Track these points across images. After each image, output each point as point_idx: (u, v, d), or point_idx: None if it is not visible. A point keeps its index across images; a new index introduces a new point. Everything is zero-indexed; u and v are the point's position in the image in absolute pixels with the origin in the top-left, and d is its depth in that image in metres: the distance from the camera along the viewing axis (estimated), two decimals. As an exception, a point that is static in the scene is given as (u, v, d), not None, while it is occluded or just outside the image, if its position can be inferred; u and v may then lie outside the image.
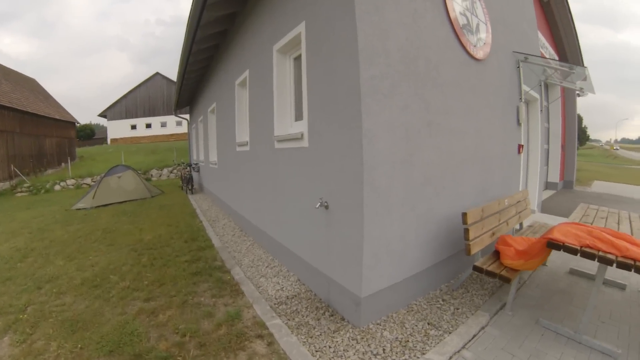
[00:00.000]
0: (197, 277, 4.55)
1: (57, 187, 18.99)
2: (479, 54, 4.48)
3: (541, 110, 7.32)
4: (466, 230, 3.60)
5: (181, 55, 8.39)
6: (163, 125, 44.92)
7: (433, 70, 3.72)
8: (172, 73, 44.48)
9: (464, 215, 3.63)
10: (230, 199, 7.87)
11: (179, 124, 44.35)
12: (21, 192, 18.39)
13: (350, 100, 3.14)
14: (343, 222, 3.38)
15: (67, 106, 29.90)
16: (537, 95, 6.87)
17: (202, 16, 5.94)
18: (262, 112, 5.20)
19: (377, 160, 3.14)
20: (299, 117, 4.57)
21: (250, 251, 5.56)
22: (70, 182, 19.35)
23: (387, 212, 3.27)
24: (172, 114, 43.59)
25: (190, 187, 12.55)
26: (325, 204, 3.58)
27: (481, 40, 4.56)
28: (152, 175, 20.26)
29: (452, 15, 4.01)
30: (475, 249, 3.62)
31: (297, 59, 4.57)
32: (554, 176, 11.55)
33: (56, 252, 6.30)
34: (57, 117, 25.81)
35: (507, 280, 3.28)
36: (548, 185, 11.62)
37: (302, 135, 4.00)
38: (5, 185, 18.93)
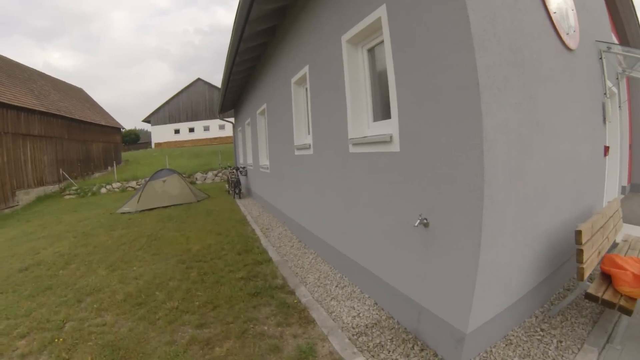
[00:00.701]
0: (256, 298, 3.94)
1: (103, 190, 19.56)
2: (571, 43, 3.84)
3: (619, 107, 6.35)
4: (580, 252, 2.97)
5: (227, 55, 8.03)
6: (206, 129, 46.21)
7: (536, 60, 3.09)
8: (212, 79, 46.12)
9: (578, 233, 2.98)
10: (285, 206, 7.32)
11: (222, 127, 45.39)
12: (69, 194, 19.09)
13: (463, 95, 2.48)
14: (450, 245, 2.70)
15: (112, 113, 31.57)
16: (615, 90, 6.03)
17: (252, 10, 5.51)
18: (329, 112, 4.59)
19: (496, 170, 2.52)
20: (378, 116, 3.95)
21: (314, 267, 4.91)
22: (115, 185, 19.88)
23: (501, 232, 2.67)
24: (214, 118, 45.08)
25: (237, 192, 12.23)
26: (425, 221, 2.89)
27: (571, 28, 3.83)
28: (196, 178, 20.36)
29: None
30: (587, 273, 3.03)
31: (371, 50, 3.98)
32: (622, 179, 10.12)
33: (99, 259, 6.00)
34: (103, 123, 27.06)
35: (628, 312, 2.71)
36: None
37: (390, 137, 3.31)
38: (55, 188, 19.80)
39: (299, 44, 5.63)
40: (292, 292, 4.10)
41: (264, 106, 8.65)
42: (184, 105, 46.10)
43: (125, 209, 11.05)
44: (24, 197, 17.48)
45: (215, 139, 44.97)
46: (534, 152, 3.02)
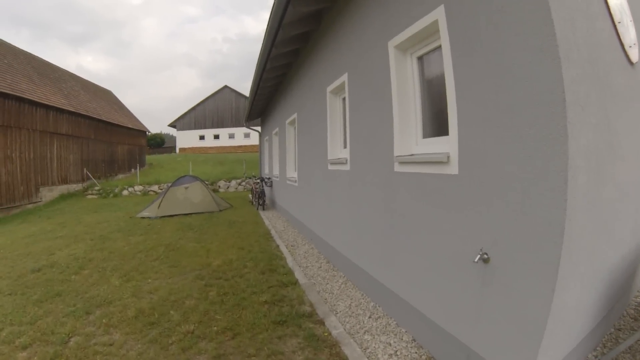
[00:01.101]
0: (281, 328, 3.54)
1: (125, 192, 19.72)
2: (634, 56, 3.33)
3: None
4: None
5: (258, 60, 7.86)
6: (231, 136, 46.74)
7: (608, 74, 2.68)
8: (239, 87, 46.94)
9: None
10: (313, 222, 6.95)
11: (247, 135, 45.85)
12: (91, 194, 19.34)
13: (545, 112, 2.07)
14: (515, 285, 2.28)
15: (139, 116, 32.42)
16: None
17: (286, 13, 5.30)
18: (371, 125, 4.22)
19: (577, 202, 2.11)
20: (427, 132, 3.55)
21: (344, 292, 4.49)
22: (137, 188, 20.02)
23: (574, 272, 2.26)
24: (240, 126, 45.53)
25: (262, 203, 11.95)
26: (485, 256, 2.46)
27: (632, 40, 3.35)
28: (219, 186, 20.30)
29: (611, 3, 2.83)
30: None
31: (421, 58, 3.60)
32: None
33: (114, 267, 5.76)
34: (130, 125, 27.64)
35: None
36: None
37: (447, 158, 2.89)
38: (78, 187, 20.15)
39: (336, 50, 5.33)
40: (322, 322, 3.68)
41: (294, 116, 8.38)
42: (210, 111, 46.89)
43: (145, 213, 10.93)
44: (48, 194, 17.80)
45: (240, 147, 45.35)
46: (607, 180, 2.60)
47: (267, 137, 15.17)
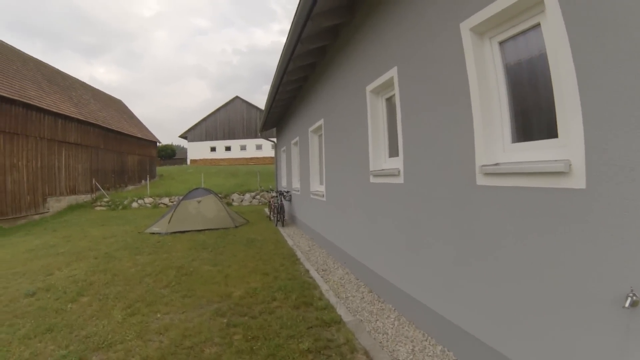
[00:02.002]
0: (334, 396, 2.69)
1: (134, 205, 19.11)
2: None
3: None
4: None
5: (279, 62, 7.19)
6: (242, 148, 46.43)
7: None
8: (249, 98, 46.85)
9: None
10: (347, 242, 6.09)
11: (259, 147, 45.55)
12: (100, 206, 18.78)
13: None
14: None
15: (150, 127, 32.26)
16: None
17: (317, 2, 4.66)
18: (435, 127, 3.39)
19: None
20: (521, 135, 2.73)
21: (400, 332, 3.62)
22: (147, 200, 19.41)
23: None
24: (251, 137, 45.43)
25: (281, 219, 11.12)
26: (635, 297, 1.63)
27: None
28: (233, 199, 19.55)
29: None
30: None
31: (504, 42, 2.79)
32: None
33: (117, 294, 4.97)
34: (140, 135, 27.34)
35: None
36: None
37: (569, 167, 2.07)
38: (87, 197, 19.66)
39: (379, 41, 4.53)
40: (385, 385, 2.82)
41: (320, 122, 7.59)
42: (221, 123, 46.83)
43: (155, 229, 10.16)
44: (55, 204, 17.31)
45: (252, 158, 45.01)
46: None
47: (284, 148, 14.42)
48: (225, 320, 3.95)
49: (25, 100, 15.34)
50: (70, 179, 18.57)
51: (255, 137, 45.08)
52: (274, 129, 17.27)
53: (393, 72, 4.18)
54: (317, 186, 8.53)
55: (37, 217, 16.01)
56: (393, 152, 4.72)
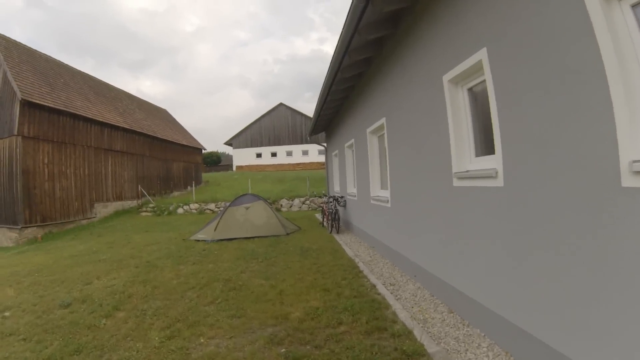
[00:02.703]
0: None
1: (180, 210, 19.10)
2: None
3: None
4: None
5: (332, 58, 6.52)
6: (288, 154, 46.54)
7: None
8: (292, 105, 47.13)
9: None
10: (418, 253, 5.21)
11: (305, 153, 45.55)
12: (145, 212, 18.95)
13: None
14: None
15: (195, 135, 32.80)
16: None
17: None
18: (549, 117, 2.50)
19: None
20: None
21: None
22: (193, 206, 19.35)
23: None
24: (297, 143, 45.49)
25: (336, 226, 10.31)
26: None
27: None
28: (281, 205, 19.00)
29: None
30: None
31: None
32: None
33: (155, 310, 4.40)
34: (185, 143, 27.79)
35: None
36: None
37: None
38: (133, 203, 19.98)
39: (461, 21, 3.67)
40: None
41: (381, 122, 6.73)
42: (266, 129, 47.35)
43: (200, 236, 9.69)
44: (102, 210, 17.67)
45: (299, 164, 44.97)
46: None
47: (335, 152, 13.66)
48: (283, 350, 3.21)
49: (71, 111, 15.80)
50: (116, 186, 18.92)
51: (301, 142, 45.24)
52: (323, 134, 16.69)
53: (481, 55, 3.29)
54: (379, 191, 7.66)
55: (84, 222, 16.36)
56: (480, 150, 3.85)
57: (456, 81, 4.01)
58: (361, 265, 6.18)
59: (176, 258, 7.48)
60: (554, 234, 2.54)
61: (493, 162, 3.35)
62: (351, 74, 7.44)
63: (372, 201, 7.75)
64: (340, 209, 10.98)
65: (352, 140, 9.72)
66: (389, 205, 6.54)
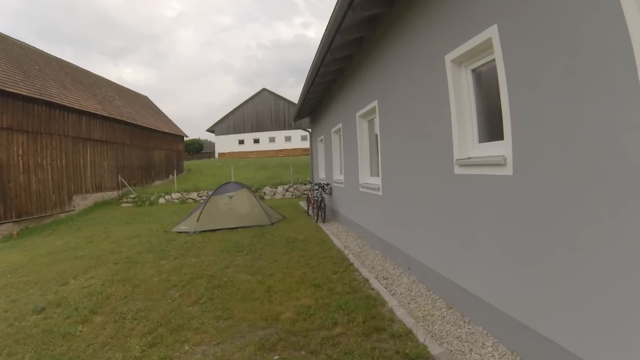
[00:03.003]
0: None
1: (161, 200, 18.64)
2: None
3: None
4: None
5: (324, 35, 6.16)
6: (271, 140, 46.02)
7: None
8: (276, 91, 46.35)
9: None
10: (412, 246, 5.01)
11: (288, 139, 45.12)
12: (126, 202, 18.43)
13: None
14: None
15: (177, 123, 32.13)
16: None
17: None
18: (567, 103, 2.28)
19: None
20: None
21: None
22: (175, 195, 18.89)
23: None
24: (280, 129, 44.99)
25: (322, 214, 10.13)
26: None
27: None
28: (265, 193, 18.66)
29: None
30: None
31: None
32: None
33: (136, 313, 4.11)
34: (166, 130, 27.08)
35: None
36: None
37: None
38: (113, 194, 19.41)
39: None
40: None
41: (372, 105, 6.46)
42: (248, 115, 46.68)
43: (182, 227, 9.34)
44: (81, 202, 17.07)
45: (282, 150, 44.55)
46: None
47: (321, 137, 13.36)
48: (276, 358, 2.97)
49: (46, 99, 15.02)
50: (96, 176, 18.29)
51: (285, 128, 44.74)
52: (307, 119, 16.38)
53: (491, 32, 3.02)
54: (369, 178, 7.43)
55: (63, 215, 15.76)
56: (483, 136, 3.63)
57: (460, 61, 3.74)
58: (351, 258, 5.98)
59: (157, 252, 7.17)
60: (568, 228, 2.34)
61: (501, 148, 3.12)
62: (342, 55, 7.13)
63: (361, 189, 7.52)
64: (326, 196, 10.74)
65: (340, 125, 9.43)
66: (380, 193, 6.32)
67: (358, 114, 7.47)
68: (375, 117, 6.46)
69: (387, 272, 5.29)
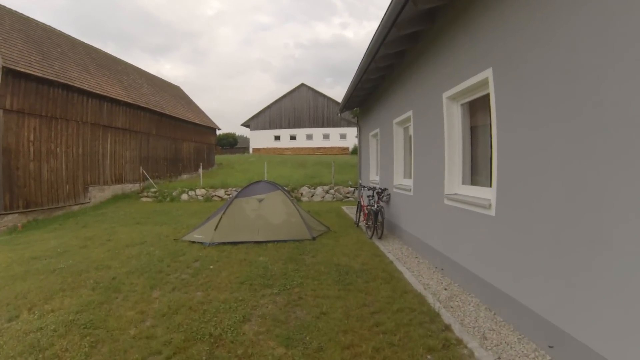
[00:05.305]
0: None
1: (184, 197, 17.01)
2: None
3: None
4: None
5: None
6: (309, 137, 44.39)
7: None
8: (316, 87, 44.65)
9: None
10: (565, 313, 2.85)
11: (326, 137, 43.52)
12: (146, 197, 16.98)
13: None
14: None
15: (214, 118, 30.81)
16: None
17: None
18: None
19: None
20: None
21: None
22: (199, 192, 17.21)
23: None
24: (318, 126, 43.18)
25: (379, 230, 7.76)
26: None
27: None
28: (302, 194, 16.53)
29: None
30: None
31: None
32: None
33: None
34: (197, 121, 25.69)
35: None
36: None
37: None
38: (135, 187, 18.11)
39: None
40: None
41: (468, 84, 4.29)
42: (286, 110, 45.45)
43: (197, 236, 7.38)
44: (98, 194, 15.79)
45: (319, 148, 42.96)
46: None
47: (375, 132, 11.12)
48: None
49: (63, 81, 13.67)
50: (116, 167, 16.94)
51: (323, 125, 43.02)
52: (358, 110, 14.33)
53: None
54: (459, 187, 5.19)
55: (76, 207, 14.46)
56: None
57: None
58: (444, 314, 3.78)
59: (153, 275, 5.24)
60: None
61: None
62: (408, 31, 5.04)
63: (447, 201, 5.29)
64: (382, 205, 8.43)
65: (409, 113, 7.20)
66: (491, 212, 4.09)
67: (446, 95, 5.25)
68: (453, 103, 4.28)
69: (512, 347, 3.11)
